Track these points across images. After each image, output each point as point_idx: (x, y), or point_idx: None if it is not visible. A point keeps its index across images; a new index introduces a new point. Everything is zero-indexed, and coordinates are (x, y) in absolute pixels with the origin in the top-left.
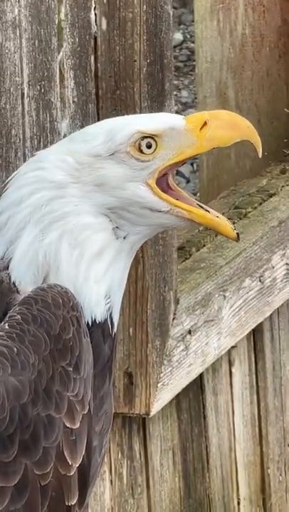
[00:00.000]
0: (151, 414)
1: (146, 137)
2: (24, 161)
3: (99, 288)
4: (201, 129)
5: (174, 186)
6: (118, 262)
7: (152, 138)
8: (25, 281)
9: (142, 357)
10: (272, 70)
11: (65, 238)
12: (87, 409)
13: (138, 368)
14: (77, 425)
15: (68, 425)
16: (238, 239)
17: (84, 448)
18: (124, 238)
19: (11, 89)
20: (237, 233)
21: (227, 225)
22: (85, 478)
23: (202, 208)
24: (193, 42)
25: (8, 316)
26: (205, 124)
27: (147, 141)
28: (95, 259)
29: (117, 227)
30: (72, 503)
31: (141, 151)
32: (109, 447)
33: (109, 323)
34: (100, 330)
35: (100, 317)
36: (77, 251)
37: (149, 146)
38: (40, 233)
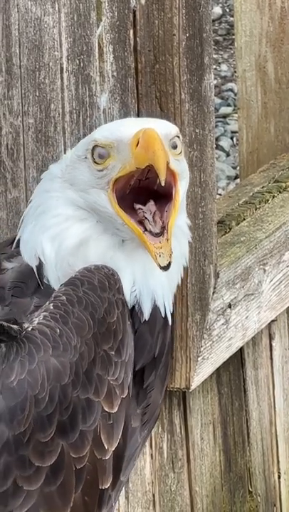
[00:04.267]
0: (192, 388)
1: (98, 146)
2: (63, 135)
3: None
4: (136, 145)
5: (175, 196)
6: (127, 250)
7: (104, 148)
8: (32, 265)
9: (182, 331)
10: None
11: (47, 231)
12: (126, 393)
13: (178, 342)
14: (115, 409)
15: (106, 409)
16: (162, 268)
17: (120, 432)
18: (119, 235)
19: (50, 63)
20: (163, 266)
21: (152, 253)
22: (119, 462)
23: (163, 230)
24: (232, 16)
25: (53, 295)
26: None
27: (99, 150)
28: (80, 249)
29: (100, 222)
30: (106, 487)
31: (94, 159)
32: None
33: (138, 311)
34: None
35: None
36: (57, 243)
37: (101, 156)
38: (34, 224)
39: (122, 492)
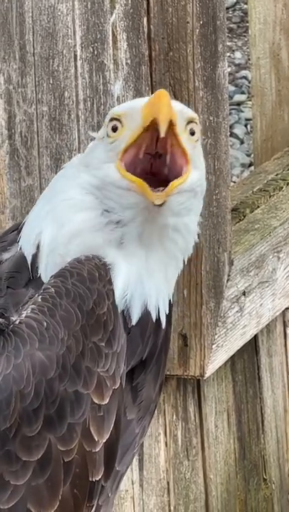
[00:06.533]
0: (206, 375)
1: (114, 119)
2: (77, 123)
3: None
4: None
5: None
6: (124, 251)
7: (119, 120)
8: (26, 250)
9: (196, 318)
10: None
11: (51, 214)
12: (119, 384)
13: (192, 330)
14: (106, 401)
15: (96, 401)
16: (156, 205)
17: (112, 423)
18: (120, 225)
19: (64, 51)
20: (157, 203)
21: (149, 195)
22: (112, 453)
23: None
24: (246, 3)
25: (42, 288)
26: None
27: (113, 124)
28: (74, 240)
29: (106, 211)
30: (97, 479)
31: (108, 134)
32: (164, 409)
33: (127, 316)
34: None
35: None
36: (57, 226)
37: (114, 129)
38: (43, 206)
39: (137, 480)
